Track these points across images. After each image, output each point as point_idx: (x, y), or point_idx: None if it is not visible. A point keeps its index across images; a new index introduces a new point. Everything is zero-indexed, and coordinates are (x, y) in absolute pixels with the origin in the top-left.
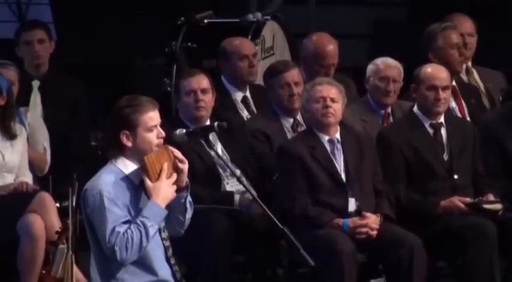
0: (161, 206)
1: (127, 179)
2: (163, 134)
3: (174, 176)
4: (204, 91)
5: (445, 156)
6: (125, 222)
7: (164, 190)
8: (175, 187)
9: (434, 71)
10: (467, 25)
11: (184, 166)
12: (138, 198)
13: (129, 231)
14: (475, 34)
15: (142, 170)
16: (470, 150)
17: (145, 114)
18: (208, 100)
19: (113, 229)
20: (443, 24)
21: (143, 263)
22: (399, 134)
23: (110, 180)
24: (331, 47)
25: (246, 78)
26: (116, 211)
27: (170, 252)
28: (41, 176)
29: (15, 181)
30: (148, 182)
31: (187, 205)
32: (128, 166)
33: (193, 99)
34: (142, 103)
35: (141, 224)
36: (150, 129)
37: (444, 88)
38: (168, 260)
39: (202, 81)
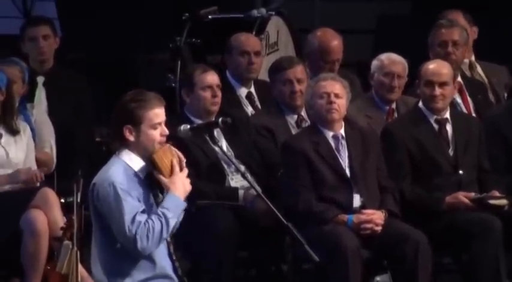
0: (180, 198)
1: (134, 172)
2: (166, 132)
3: (186, 170)
4: (218, 87)
5: (451, 152)
6: (142, 211)
7: (180, 182)
8: (189, 180)
9: (433, 67)
10: (460, 21)
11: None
12: (146, 193)
13: (150, 221)
14: (470, 29)
15: (153, 168)
16: (475, 145)
17: (151, 111)
18: (220, 96)
19: (133, 218)
20: (438, 21)
21: (146, 258)
22: (404, 129)
23: (120, 173)
24: (335, 42)
25: (244, 75)
26: (131, 201)
27: (172, 247)
28: None
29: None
30: (163, 178)
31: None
32: (132, 159)
33: (210, 94)
34: (149, 99)
35: (162, 215)
36: (154, 127)
37: (442, 84)
38: (170, 255)
39: (216, 78)
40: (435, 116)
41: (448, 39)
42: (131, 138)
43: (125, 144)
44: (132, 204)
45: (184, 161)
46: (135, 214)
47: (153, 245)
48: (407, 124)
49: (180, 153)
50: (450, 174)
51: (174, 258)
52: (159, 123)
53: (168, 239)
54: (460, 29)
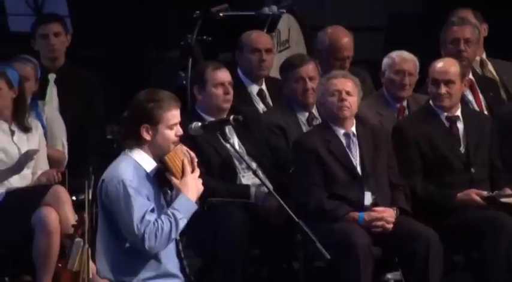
0: (191, 200)
1: (143, 170)
2: (181, 132)
3: (198, 170)
4: (230, 84)
5: (462, 149)
6: (152, 210)
7: (192, 183)
8: (201, 180)
9: (440, 65)
10: (471, 19)
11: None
12: (156, 191)
13: (159, 220)
14: (480, 26)
15: (165, 169)
16: (487, 143)
17: (169, 112)
18: (232, 93)
19: (143, 217)
20: (450, 19)
21: (153, 256)
22: (415, 126)
23: (130, 170)
24: (346, 39)
25: (255, 72)
26: (140, 199)
27: (181, 246)
28: None
29: (32, 176)
30: (175, 180)
31: None
32: (143, 157)
33: (223, 91)
34: (167, 99)
35: (171, 215)
36: (171, 127)
37: (448, 82)
38: (178, 254)
39: (228, 75)
40: (446, 114)
41: (460, 36)
42: (148, 137)
43: (139, 143)
44: (141, 202)
45: (196, 160)
46: (144, 213)
47: (161, 245)
48: (419, 121)
49: (192, 153)
50: (461, 172)
51: (183, 256)
52: (175, 124)
53: (178, 237)
54: (471, 27)
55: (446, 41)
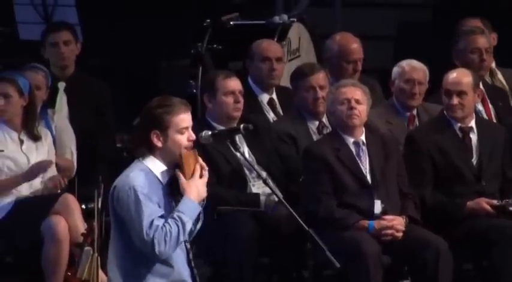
0: (195, 202)
1: (156, 178)
2: (193, 136)
3: (206, 176)
4: (241, 93)
5: (474, 161)
6: (161, 217)
7: (197, 188)
8: (205, 188)
9: (452, 76)
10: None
11: (205, 173)
12: (167, 199)
13: (167, 225)
14: (489, 35)
15: (177, 166)
16: (499, 154)
17: (177, 116)
18: (242, 102)
19: (151, 223)
20: (468, 27)
21: (164, 264)
22: (428, 136)
23: (141, 177)
24: (355, 45)
25: (266, 81)
26: (150, 205)
27: (191, 254)
28: None
29: (41, 185)
30: (182, 179)
31: (200, 215)
32: (156, 165)
33: (233, 100)
34: (175, 104)
35: (178, 219)
36: (181, 131)
37: (460, 93)
38: (189, 262)
39: (239, 83)
40: (459, 124)
41: (481, 46)
42: (159, 143)
43: (151, 150)
44: (151, 208)
45: (207, 169)
46: (153, 218)
47: (170, 249)
48: (432, 131)
49: (202, 162)
50: (473, 183)
51: (193, 265)
52: (186, 128)
53: (188, 246)
54: (487, 36)
55: (467, 50)
